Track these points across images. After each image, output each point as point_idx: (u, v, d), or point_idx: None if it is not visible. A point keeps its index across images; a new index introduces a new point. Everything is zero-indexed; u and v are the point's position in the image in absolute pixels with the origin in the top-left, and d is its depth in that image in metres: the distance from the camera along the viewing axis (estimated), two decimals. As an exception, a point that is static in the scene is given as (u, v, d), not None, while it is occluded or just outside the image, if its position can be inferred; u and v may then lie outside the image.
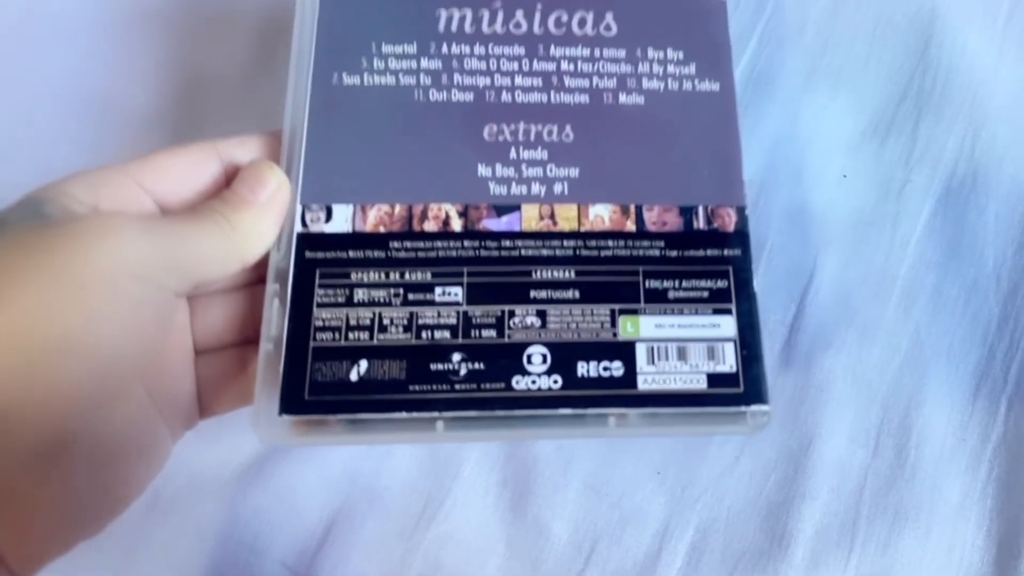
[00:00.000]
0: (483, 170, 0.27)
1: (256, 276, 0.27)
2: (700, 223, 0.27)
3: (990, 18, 0.37)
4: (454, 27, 0.29)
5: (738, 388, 0.25)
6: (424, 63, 0.28)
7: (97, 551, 0.30)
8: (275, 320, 0.25)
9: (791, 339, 0.33)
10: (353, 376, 0.25)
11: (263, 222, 0.25)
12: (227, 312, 0.27)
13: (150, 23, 0.37)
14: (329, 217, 0.26)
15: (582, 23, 0.29)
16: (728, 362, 0.26)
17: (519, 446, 0.32)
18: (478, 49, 0.28)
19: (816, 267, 0.34)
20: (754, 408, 0.25)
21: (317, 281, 0.25)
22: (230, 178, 0.26)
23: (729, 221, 0.27)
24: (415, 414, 0.24)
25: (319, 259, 0.26)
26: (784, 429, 0.32)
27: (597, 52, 0.29)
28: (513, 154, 0.27)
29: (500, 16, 0.29)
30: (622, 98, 0.28)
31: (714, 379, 0.25)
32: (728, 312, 0.26)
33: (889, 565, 0.31)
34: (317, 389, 0.24)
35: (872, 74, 0.36)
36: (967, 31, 0.36)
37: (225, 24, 0.37)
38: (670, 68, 0.29)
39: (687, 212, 0.27)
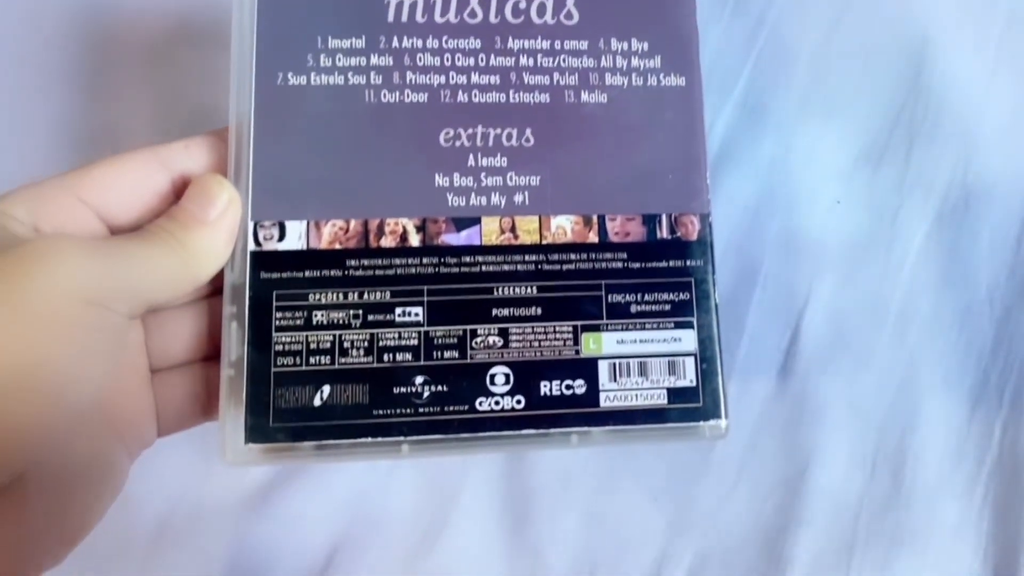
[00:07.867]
0: (440, 180, 0.26)
1: (210, 290, 0.26)
2: (663, 232, 0.26)
3: (981, 46, 0.36)
4: (404, 16, 0.26)
5: (697, 403, 0.25)
6: (374, 59, 0.26)
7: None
8: (234, 344, 0.24)
9: (786, 365, 0.33)
10: (316, 402, 0.24)
11: (215, 241, 0.24)
12: (182, 329, 0.26)
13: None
14: (283, 235, 0.25)
15: (541, 10, 0.27)
16: (688, 376, 0.26)
17: (517, 474, 0.32)
18: (431, 42, 0.26)
19: (811, 293, 0.34)
20: (712, 422, 0.25)
21: (275, 303, 0.25)
22: (178, 188, 0.24)
23: (692, 229, 0.27)
24: (380, 439, 0.24)
25: (275, 279, 0.25)
26: (781, 455, 0.32)
27: (558, 44, 0.27)
28: (471, 161, 0.26)
29: (454, 2, 0.27)
30: (584, 96, 0.27)
31: (674, 394, 0.25)
32: (689, 326, 0.26)
33: (886, 589, 0.31)
34: (281, 416, 0.24)
35: (865, 102, 0.36)
36: (958, 59, 0.36)
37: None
38: (634, 61, 0.27)
39: (650, 221, 0.26)
